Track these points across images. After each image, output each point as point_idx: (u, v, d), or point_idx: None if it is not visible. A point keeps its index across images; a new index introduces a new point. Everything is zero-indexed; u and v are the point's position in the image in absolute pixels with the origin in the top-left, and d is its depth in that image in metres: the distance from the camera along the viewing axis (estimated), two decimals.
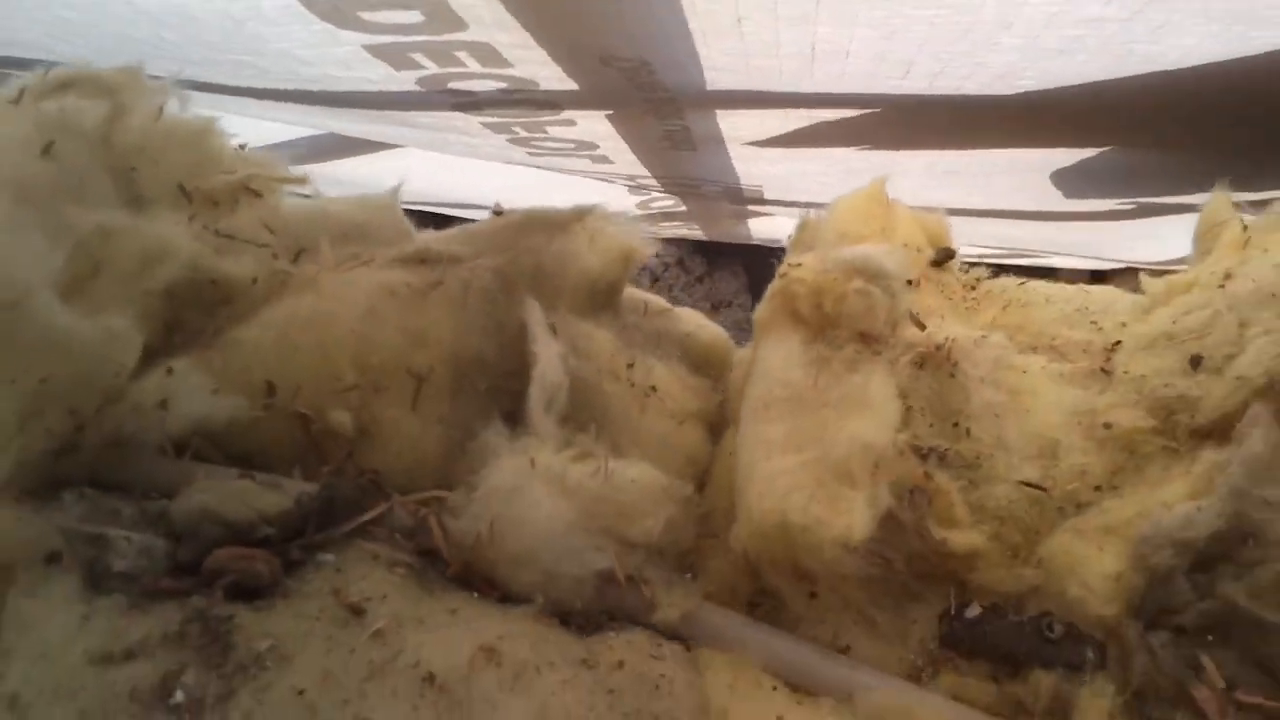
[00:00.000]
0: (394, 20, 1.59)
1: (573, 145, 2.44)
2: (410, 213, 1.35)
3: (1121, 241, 3.26)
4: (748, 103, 2.02)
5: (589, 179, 2.86)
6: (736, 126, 2.23)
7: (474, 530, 0.97)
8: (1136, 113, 1.78)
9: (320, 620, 0.86)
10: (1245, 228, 1.29)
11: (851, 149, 2.29)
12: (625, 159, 2.58)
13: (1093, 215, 2.76)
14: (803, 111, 2.05)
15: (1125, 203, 2.54)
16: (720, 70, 1.75)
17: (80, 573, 0.84)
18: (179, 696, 0.76)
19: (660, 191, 3.03)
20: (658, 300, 1.37)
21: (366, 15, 1.58)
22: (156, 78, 1.21)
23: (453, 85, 1.92)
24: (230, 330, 1.08)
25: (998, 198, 2.73)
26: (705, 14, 1.44)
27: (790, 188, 2.81)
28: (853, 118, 2.06)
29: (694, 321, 1.39)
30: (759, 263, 4.49)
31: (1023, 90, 1.69)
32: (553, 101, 2.03)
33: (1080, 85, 1.62)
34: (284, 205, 1.25)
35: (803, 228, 1.37)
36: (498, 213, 1.27)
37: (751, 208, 3.17)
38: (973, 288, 1.44)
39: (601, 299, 1.25)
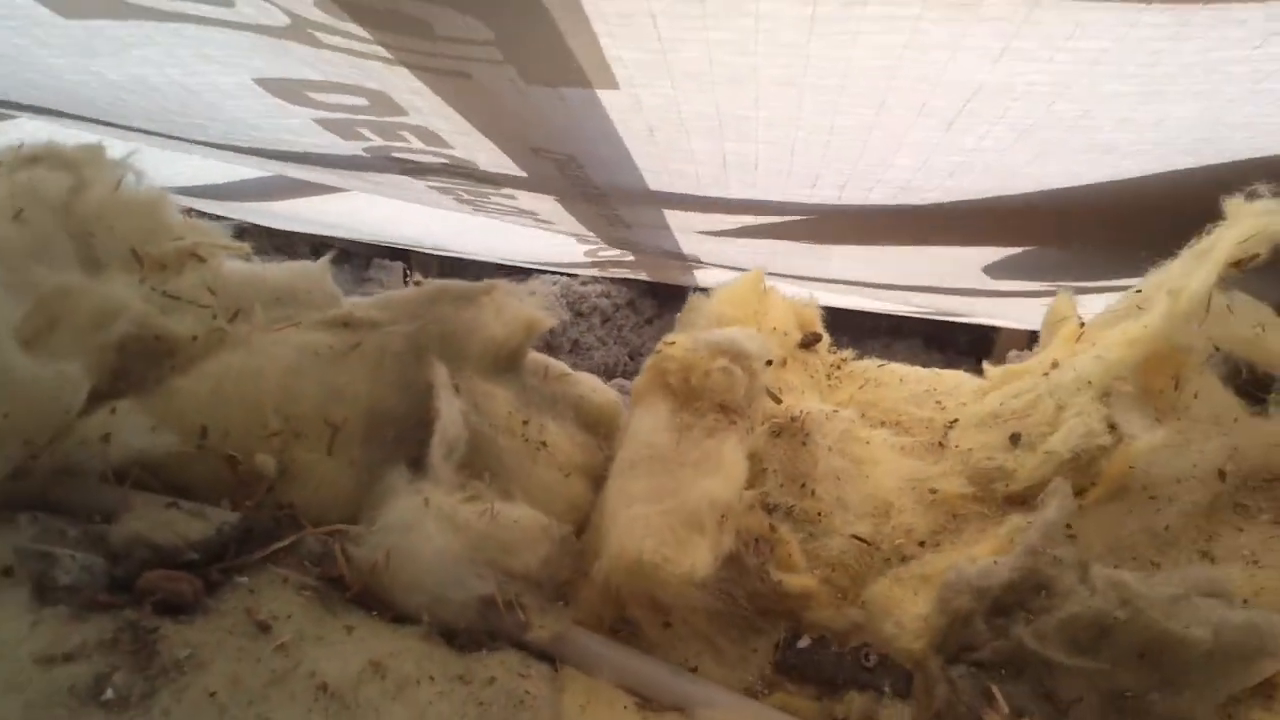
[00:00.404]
0: (341, 102, 1.74)
1: (516, 211, 2.59)
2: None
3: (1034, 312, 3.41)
4: (680, 204, 2.17)
5: (537, 229, 2.99)
6: (675, 217, 2.38)
7: (373, 558, 1.11)
8: (1039, 221, 1.91)
9: (233, 634, 0.99)
10: (1082, 324, 1.47)
11: (779, 242, 2.44)
12: (567, 223, 2.72)
13: (1017, 294, 2.89)
14: (729, 216, 2.21)
15: (1050, 285, 2.69)
16: (652, 172, 1.91)
17: (30, 585, 0.97)
18: (109, 694, 0.89)
19: (606, 244, 3.16)
20: (558, 365, 1.52)
21: (315, 96, 1.73)
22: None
23: (397, 155, 2.06)
24: (171, 379, 1.23)
25: (925, 277, 2.87)
26: (623, 122, 1.60)
27: (724, 257, 2.96)
28: (774, 223, 2.21)
29: (589, 385, 1.54)
30: None
31: (931, 202, 1.83)
32: (493, 179, 2.17)
33: (980, 200, 1.77)
34: (225, 269, 1.38)
35: (689, 309, 1.56)
36: (416, 284, 1.42)
37: (693, 264, 3.31)
38: (837, 367, 1.63)
39: (504, 363, 1.41)
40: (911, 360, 4.67)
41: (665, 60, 1.32)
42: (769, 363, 1.39)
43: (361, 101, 1.73)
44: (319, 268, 1.46)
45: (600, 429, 1.51)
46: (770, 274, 2.83)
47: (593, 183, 2.07)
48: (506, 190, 2.29)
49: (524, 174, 2.09)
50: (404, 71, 1.52)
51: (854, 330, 4.68)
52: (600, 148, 1.77)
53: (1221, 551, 1.19)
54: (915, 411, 1.51)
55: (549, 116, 1.64)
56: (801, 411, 1.41)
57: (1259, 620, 1.02)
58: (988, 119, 1.36)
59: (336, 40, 1.44)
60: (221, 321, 1.30)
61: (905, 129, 1.44)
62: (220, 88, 1.76)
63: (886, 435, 1.44)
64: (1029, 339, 4.31)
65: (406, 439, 1.28)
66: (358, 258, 4.53)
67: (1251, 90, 1.18)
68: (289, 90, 1.73)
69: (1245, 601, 1.09)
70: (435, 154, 2.01)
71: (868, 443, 1.41)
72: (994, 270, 2.50)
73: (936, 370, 1.65)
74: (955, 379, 1.60)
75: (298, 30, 1.43)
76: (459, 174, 2.17)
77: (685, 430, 1.30)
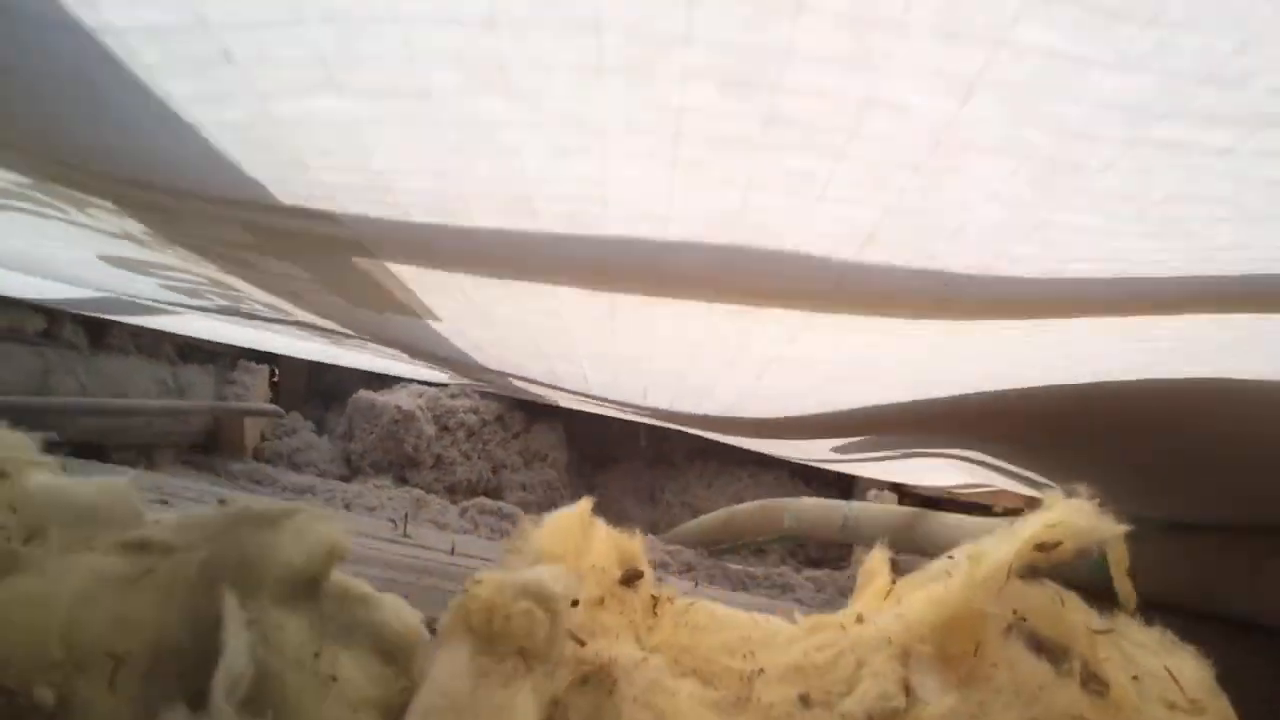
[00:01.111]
0: (184, 277, 1.73)
1: (372, 351, 2.60)
2: None
3: (889, 471, 3.52)
4: (523, 381, 2.21)
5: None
6: (521, 383, 2.42)
7: None
8: (871, 425, 1.99)
9: None
10: (894, 581, 1.53)
11: None
12: (423, 364, 2.75)
13: (863, 460, 2.98)
14: (571, 396, 2.25)
15: (893, 454, 2.78)
16: (491, 364, 1.95)
17: None
18: None
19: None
20: (360, 587, 1.52)
21: (159, 271, 1.72)
22: None
23: (245, 311, 2.07)
24: None
25: (779, 448, 2.94)
26: (454, 338, 1.65)
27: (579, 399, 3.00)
28: (616, 406, 2.26)
29: (392, 610, 1.54)
30: (578, 417, 4.64)
31: (758, 416, 1.90)
32: (344, 336, 2.19)
33: (805, 416, 1.84)
34: (31, 484, 1.39)
35: (518, 537, 1.58)
36: (221, 502, 1.44)
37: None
38: (656, 604, 1.65)
39: (301, 590, 1.41)
40: (777, 491, 4.74)
41: (483, 313, 1.36)
42: (575, 603, 1.42)
43: (203, 281, 1.73)
44: (123, 485, 1.46)
45: (399, 657, 1.51)
46: None
47: (437, 355, 2.10)
48: (357, 341, 2.31)
49: (370, 340, 2.11)
50: (238, 280, 1.54)
51: (722, 457, 4.76)
52: (435, 347, 1.80)
53: None
54: (726, 661, 1.53)
55: (380, 325, 1.67)
56: (609, 659, 1.43)
57: None
58: (789, 376, 1.42)
59: (169, 253, 1.46)
60: (16, 544, 1.30)
61: (716, 375, 1.50)
62: (62, 259, 1.76)
63: (694, 687, 1.46)
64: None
65: (192, 673, 1.27)
66: (223, 359, 4.50)
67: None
68: (132, 265, 1.73)
69: None
70: (283, 316, 2.02)
71: (674, 695, 1.42)
72: (842, 449, 2.57)
73: (756, 616, 1.68)
74: (772, 627, 1.63)
75: (133, 239, 1.44)
76: (312, 329, 2.18)
77: (483, 676, 1.30)
